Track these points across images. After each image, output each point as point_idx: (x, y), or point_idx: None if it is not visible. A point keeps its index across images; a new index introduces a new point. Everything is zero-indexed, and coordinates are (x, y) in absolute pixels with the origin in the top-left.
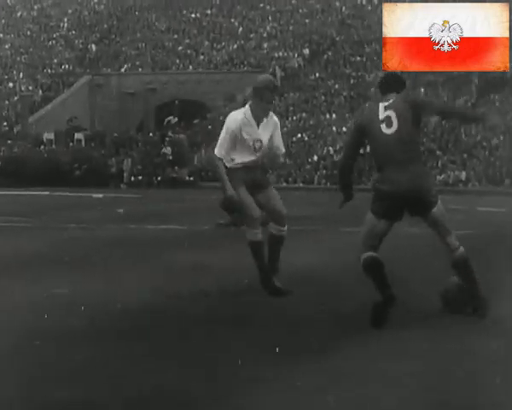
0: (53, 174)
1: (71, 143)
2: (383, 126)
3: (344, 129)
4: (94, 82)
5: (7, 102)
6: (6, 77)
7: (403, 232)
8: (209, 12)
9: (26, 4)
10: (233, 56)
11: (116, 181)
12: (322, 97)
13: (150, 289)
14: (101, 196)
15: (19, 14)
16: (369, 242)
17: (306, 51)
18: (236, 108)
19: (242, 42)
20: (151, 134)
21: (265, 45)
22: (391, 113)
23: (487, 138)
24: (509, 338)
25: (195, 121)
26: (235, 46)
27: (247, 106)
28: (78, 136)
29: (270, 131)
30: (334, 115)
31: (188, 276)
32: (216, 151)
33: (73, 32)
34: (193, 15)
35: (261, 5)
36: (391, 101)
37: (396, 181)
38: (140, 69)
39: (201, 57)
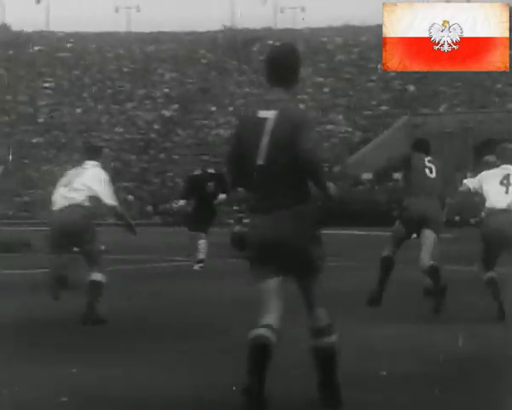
0: (371, 214)
1: (389, 183)
2: (427, 171)
3: None
4: (412, 122)
5: (326, 143)
6: (325, 119)
7: None
8: None
9: (345, 48)
10: None
11: None
12: None
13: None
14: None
15: (338, 57)
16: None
17: None
18: None
19: None
20: (469, 173)
21: None
22: (431, 164)
23: None
24: None
25: None
26: None
27: None
28: (396, 175)
29: None
30: None
31: None
32: None
33: (391, 73)
34: None
35: None
36: (429, 158)
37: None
38: (458, 108)
39: None
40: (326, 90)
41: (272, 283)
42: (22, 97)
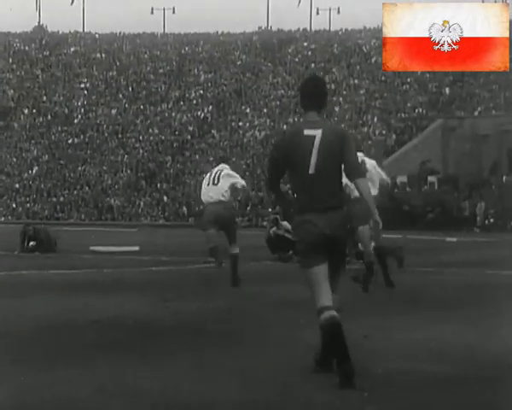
0: (405, 217)
1: (424, 187)
2: None
3: None
4: (447, 125)
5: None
6: (360, 122)
7: None
8: None
9: (381, 50)
10: None
11: (469, 224)
12: None
13: None
14: (454, 239)
15: (373, 59)
16: None
17: None
18: None
19: None
20: (504, 177)
21: None
22: None
23: None
24: None
25: None
26: None
27: None
28: (430, 179)
29: None
30: None
31: None
32: None
33: (427, 75)
34: None
35: None
36: None
37: None
38: (493, 111)
39: None
40: (361, 92)
41: (322, 267)
42: (58, 98)
